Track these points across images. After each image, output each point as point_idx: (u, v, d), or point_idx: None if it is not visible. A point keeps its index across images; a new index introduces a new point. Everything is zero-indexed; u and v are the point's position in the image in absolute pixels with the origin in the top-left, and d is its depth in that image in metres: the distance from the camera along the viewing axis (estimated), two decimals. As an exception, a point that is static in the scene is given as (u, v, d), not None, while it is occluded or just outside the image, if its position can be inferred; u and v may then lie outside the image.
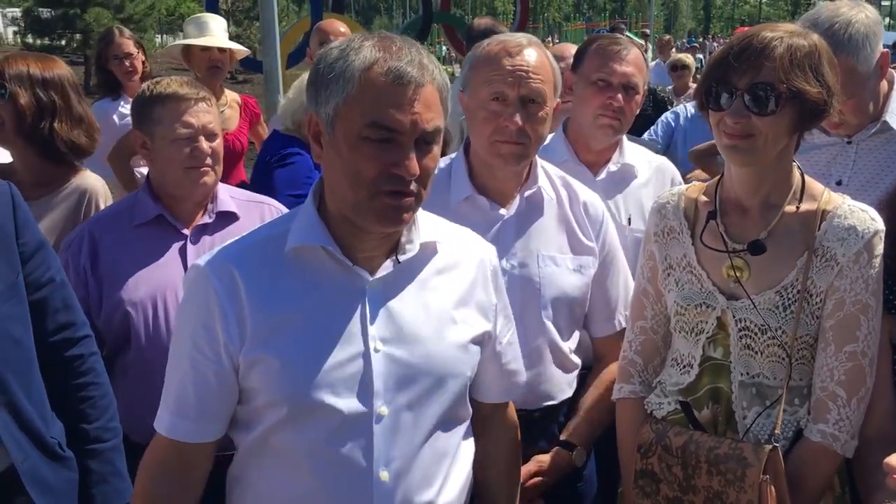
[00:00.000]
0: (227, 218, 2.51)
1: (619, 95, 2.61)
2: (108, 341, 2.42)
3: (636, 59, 2.66)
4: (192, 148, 2.39)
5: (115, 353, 2.44)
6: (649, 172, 2.76)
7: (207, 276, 1.63)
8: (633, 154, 2.77)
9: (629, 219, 2.66)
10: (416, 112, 1.51)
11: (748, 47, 1.79)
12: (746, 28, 2.00)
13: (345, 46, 1.56)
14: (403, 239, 1.67)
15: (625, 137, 2.78)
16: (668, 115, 5.22)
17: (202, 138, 2.41)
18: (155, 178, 2.49)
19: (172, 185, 2.45)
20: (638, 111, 2.72)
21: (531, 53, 2.12)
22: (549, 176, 2.29)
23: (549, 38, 23.95)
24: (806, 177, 1.95)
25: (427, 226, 1.73)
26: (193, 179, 2.42)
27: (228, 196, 2.57)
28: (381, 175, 1.53)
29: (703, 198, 2.03)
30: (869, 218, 1.86)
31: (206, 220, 2.48)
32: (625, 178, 2.73)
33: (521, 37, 2.18)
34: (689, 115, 5.17)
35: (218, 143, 2.47)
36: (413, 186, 1.55)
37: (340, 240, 1.63)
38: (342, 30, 4.25)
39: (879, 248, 1.86)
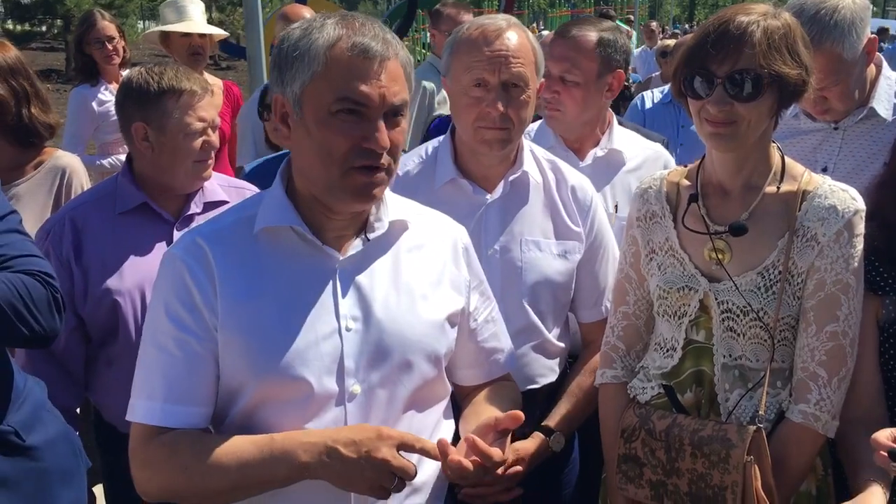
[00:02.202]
0: (215, 206, 2.48)
1: (554, 87, 2.60)
2: (93, 332, 2.40)
3: (560, 48, 2.63)
4: (203, 141, 2.38)
5: (101, 344, 2.41)
6: (641, 158, 2.73)
7: (180, 256, 1.63)
8: (623, 140, 2.75)
9: (616, 205, 2.64)
10: (383, 85, 1.53)
11: (725, 34, 1.77)
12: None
13: (307, 26, 1.56)
14: (372, 217, 1.68)
15: (615, 122, 2.76)
16: (636, 101, 5.17)
17: (211, 131, 2.40)
18: (144, 167, 2.43)
19: (178, 178, 2.42)
20: (608, 94, 2.66)
21: (511, 37, 2.10)
22: (536, 159, 2.27)
23: (534, 25, 23.85)
24: (786, 158, 1.94)
25: (396, 205, 1.74)
26: (198, 172, 2.42)
27: (216, 184, 2.54)
28: (352, 150, 1.54)
29: (685, 181, 2.02)
30: (849, 197, 1.86)
31: (195, 209, 2.45)
32: (612, 163, 2.71)
33: (501, 19, 2.15)
34: (653, 101, 5.13)
35: (217, 134, 2.46)
36: (384, 160, 1.56)
37: (309, 220, 1.64)
38: (307, 15, 4.20)
39: (860, 228, 1.86)
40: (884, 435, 1.63)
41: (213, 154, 2.42)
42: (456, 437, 1.82)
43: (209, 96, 2.42)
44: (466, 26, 2.16)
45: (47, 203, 2.86)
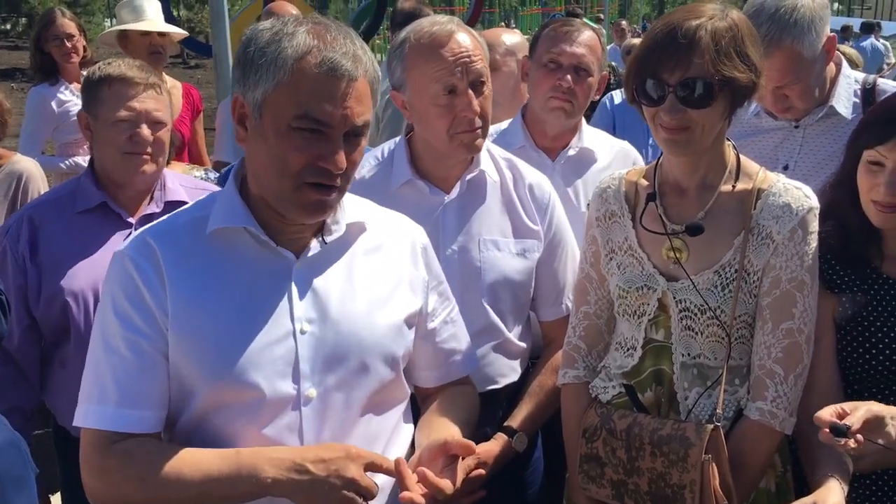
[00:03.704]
0: (176, 207, 2.44)
1: (569, 76, 2.59)
2: (46, 332, 2.37)
3: (588, 41, 2.64)
4: (132, 133, 2.32)
5: (54, 344, 2.39)
6: (610, 157, 2.74)
7: (129, 255, 1.60)
8: (593, 138, 2.75)
9: (588, 204, 2.64)
10: (347, 106, 1.50)
11: (673, 42, 1.76)
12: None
13: (277, 30, 1.51)
14: (329, 220, 1.66)
15: (584, 121, 2.76)
16: (605, 99, 5.17)
17: (144, 125, 2.33)
18: (97, 162, 2.42)
19: (112, 171, 2.38)
20: (595, 94, 2.69)
21: (463, 37, 2.09)
22: (493, 158, 2.26)
23: (503, 23, 23.87)
24: (741, 156, 1.95)
25: (353, 207, 1.71)
26: (132, 166, 2.35)
27: (178, 184, 2.50)
28: (307, 167, 1.51)
29: (643, 181, 2.02)
30: (803, 195, 1.87)
31: (154, 209, 2.41)
32: (583, 162, 2.71)
33: (444, 21, 2.12)
34: (623, 98, 5.13)
35: (164, 132, 2.38)
36: (338, 181, 1.54)
37: (264, 221, 1.61)
38: (294, 12, 4.17)
39: (814, 225, 1.87)
40: (827, 412, 1.62)
41: (147, 149, 2.34)
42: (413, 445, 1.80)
43: (153, 91, 2.35)
44: (413, 35, 2.11)
45: (2, 207, 2.81)
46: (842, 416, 1.61)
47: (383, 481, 1.63)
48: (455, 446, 1.63)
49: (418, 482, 1.56)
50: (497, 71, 3.15)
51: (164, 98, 2.40)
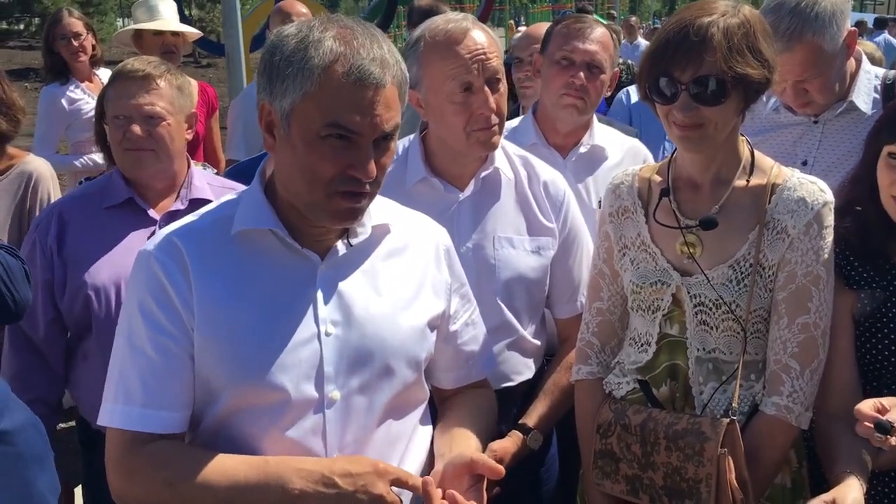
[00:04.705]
0: (201, 205, 2.44)
1: (582, 73, 2.59)
2: (70, 325, 2.40)
3: (601, 38, 2.64)
4: (125, 130, 2.32)
5: (78, 338, 2.41)
6: (621, 154, 2.74)
7: (155, 254, 1.59)
8: (604, 136, 2.75)
9: (600, 202, 2.63)
10: (377, 114, 1.48)
11: (685, 39, 1.75)
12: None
13: (303, 36, 1.49)
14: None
15: (595, 119, 2.76)
16: (621, 95, 5.13)
17: (135, 122, 2.32)
18: None
19: (119, 167, 2.41)
20: (607, 91, 2.69)
21: (478, 34, 2.08)
22: (508, 155, 2.26)
23: (513, 20, 23.81)
24: (755, 151, 1.94)
25: (379, 208, 1.70)
26: (130, 161, 2.36)
27: (205, 183, 2.50)
28: (337, 176, 1.50)
29: (657, 177, 2.02)
30: (818, 189, 1.87)
31: (179, 206, 2.41)
32: (595, 160, 2.71)
33: (459, 18, 2.12)
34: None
35: (163, 127, 2.35)
36: (368, 187, 1.53)
37: (289, 222, 1.60)
38: (304, 11, 4.19)
39: (829, 220, 1.86)
40: (867, 405, 1.62)
41: (144, 144, 2.33)
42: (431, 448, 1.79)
43: (151, 84, 2.33)
44: (428, 33, 2.11)
45: (11, 207, 2.83)
46: (881, 411, 1.61)
47: (408, 497, 1.62)
48: (482, 467, 1.59)
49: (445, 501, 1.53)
50: None
51: (165, 91, 2.36)
